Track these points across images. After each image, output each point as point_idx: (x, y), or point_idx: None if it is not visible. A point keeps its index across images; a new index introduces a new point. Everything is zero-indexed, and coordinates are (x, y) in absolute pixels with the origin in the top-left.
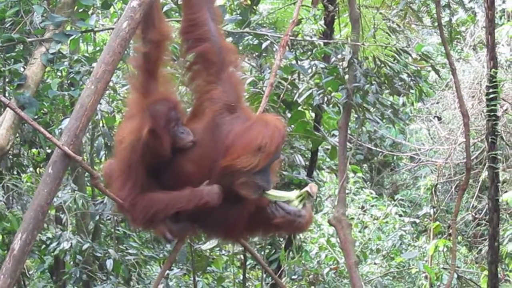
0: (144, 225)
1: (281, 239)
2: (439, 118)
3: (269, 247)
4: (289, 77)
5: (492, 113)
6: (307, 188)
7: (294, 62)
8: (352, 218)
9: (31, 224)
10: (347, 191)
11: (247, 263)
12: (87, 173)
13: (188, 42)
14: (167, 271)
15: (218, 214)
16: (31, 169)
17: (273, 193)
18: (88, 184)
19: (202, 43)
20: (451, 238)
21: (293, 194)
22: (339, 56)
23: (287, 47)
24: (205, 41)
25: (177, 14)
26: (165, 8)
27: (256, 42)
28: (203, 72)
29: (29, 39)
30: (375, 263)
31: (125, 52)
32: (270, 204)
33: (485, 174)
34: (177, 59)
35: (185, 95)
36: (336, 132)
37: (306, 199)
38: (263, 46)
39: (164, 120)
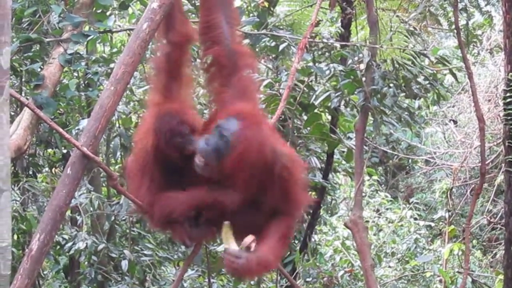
0: (161, 225)
1: (296, 241)
2: (455, 122)
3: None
4: (306, 79)
5: (509, 117)
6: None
7: (311, 64)
8: (367, 221)
9: (49, 225)
10: (362, 194)
11: None
12: (103, 174)
13: (204, 44)
14: None
15: (236, 219)
16: (47, 169)
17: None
18: (104, 184)
19: (215, 46)
20: (465, 242)
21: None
22: (356, 58)
23: (305, 50)
24: (217, 44)
25: (193, 15)
26: None
27: (273, 44)
28: (217, 75)
29: (47, 39)
30: (389, 266)
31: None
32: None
33: (501, 178)
34: (195, 61)
35: (202, 97)
36: (352, 135)
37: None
38: (280, 48)
39: (166, 136)
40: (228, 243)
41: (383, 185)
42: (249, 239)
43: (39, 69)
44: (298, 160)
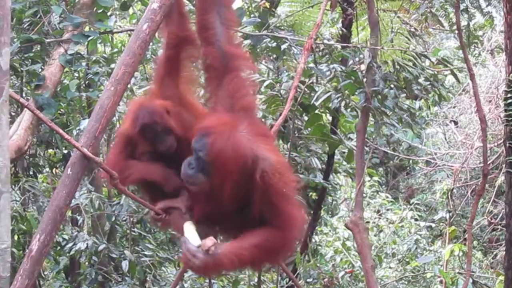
0: (161, 222)
1: (296, 242)
2: (456, 123)
3: None
4: (307, 80)
5: (509, 118)
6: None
7: (312, 65)
8: (368, 222)
9: (49, 226)
10: (363, 195)
11: None
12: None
13: (201, 44)
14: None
15: (236, 219)
16: (47, 169)
17: (190, 231)
18: (105, 185)
19: (208, 46)
20: (467, 243)
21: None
22: (357, 59)
23: (310, 50)
24: (209, 44)
25: (194, 15)
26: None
27: (274, 44)
28: (211, 75)
29: (48, 40)
30: (390, 267)
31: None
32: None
33: (501, 179)
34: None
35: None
36: (352, 136)
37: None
38: (282, 47)
39: (139, 131)
40: (189, 234)
41: (383, 186)
42: (209, 242)
43: (39, 70)
44: (286, 169)
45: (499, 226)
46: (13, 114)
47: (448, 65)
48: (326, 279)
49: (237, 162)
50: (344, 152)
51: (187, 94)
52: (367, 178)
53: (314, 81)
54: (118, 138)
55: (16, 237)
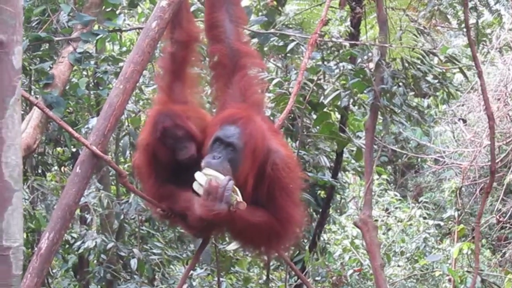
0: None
1: (305, 240)
2: (464, 121)
3: (293, 248)
4: (315, 78)
5: None
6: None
7: (320, 62)
8: (376, 220)
9: (58, 224)
10: (372, 193)
11: (271, 263)
12: (112, 172)
13: (209, 42)
14: (191, 271)
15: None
16: (56, 167)
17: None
18: (113, 183)
19: (217, 44)
20: (475, 241)
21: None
22: (365, 57)
23: (315, 46)
24: (218, 42)
25: (203, 14)
26: (192, 8)
27: (281, 43)
28: (220, 73)
29: (57, 38)
30: (398, 266)
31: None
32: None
33: (510, 177)
34: (204, 59)
35: (209, 96)
36: (361, 134)
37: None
38: (289, 47)
39: (158, 135)
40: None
41: (392, 184)
42: (242, 206)
43: (48, 68)
44: (295, 166)
45: (508, 225)
46: (22, 112)
47: (457, 63)
48: (334, 278)
49: (263, 149)
50: (352, 150)
51: (194, 100)
52: (376, 176)
53: (322, 79)
54: (141, 157)
55: (25, 235)
